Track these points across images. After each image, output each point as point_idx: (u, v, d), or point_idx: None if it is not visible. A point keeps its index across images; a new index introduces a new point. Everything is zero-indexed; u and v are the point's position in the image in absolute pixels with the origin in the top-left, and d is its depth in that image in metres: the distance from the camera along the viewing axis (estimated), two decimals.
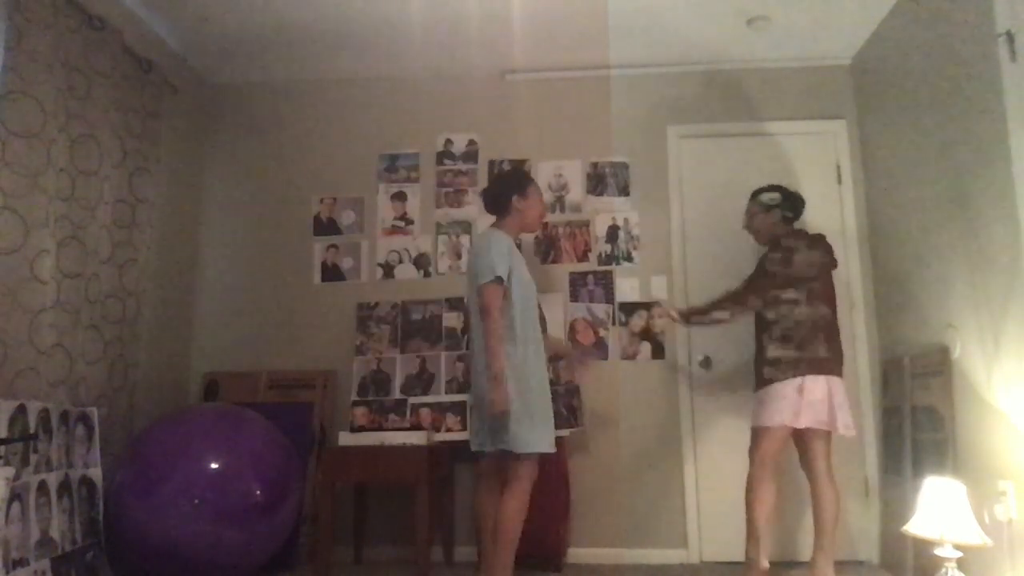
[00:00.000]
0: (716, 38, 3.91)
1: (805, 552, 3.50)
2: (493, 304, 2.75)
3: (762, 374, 3.07)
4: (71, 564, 2.84)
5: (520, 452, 2.74)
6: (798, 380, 2.96)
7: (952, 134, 3.02)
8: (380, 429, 3.72)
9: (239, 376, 4.05)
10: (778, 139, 4.05)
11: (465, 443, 3.52)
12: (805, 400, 2.94)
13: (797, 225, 3.30)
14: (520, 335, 2.82)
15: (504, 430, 2.73)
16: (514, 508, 2.76)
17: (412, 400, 3.84)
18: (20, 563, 2.54)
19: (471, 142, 4.25)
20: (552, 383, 3.70)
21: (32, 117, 2.83)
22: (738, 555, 3.74)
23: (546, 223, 4.11)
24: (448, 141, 4.27)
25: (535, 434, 2.76)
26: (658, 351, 3.94)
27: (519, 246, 3.19)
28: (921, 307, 3.33)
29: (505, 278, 2.82)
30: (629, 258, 4.05)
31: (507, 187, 3.05)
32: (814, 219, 3.85)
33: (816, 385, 2.95)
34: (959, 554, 2.48)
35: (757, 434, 3.07)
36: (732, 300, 3.18)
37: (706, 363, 3.89)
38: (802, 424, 2.96)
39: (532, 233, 3.23)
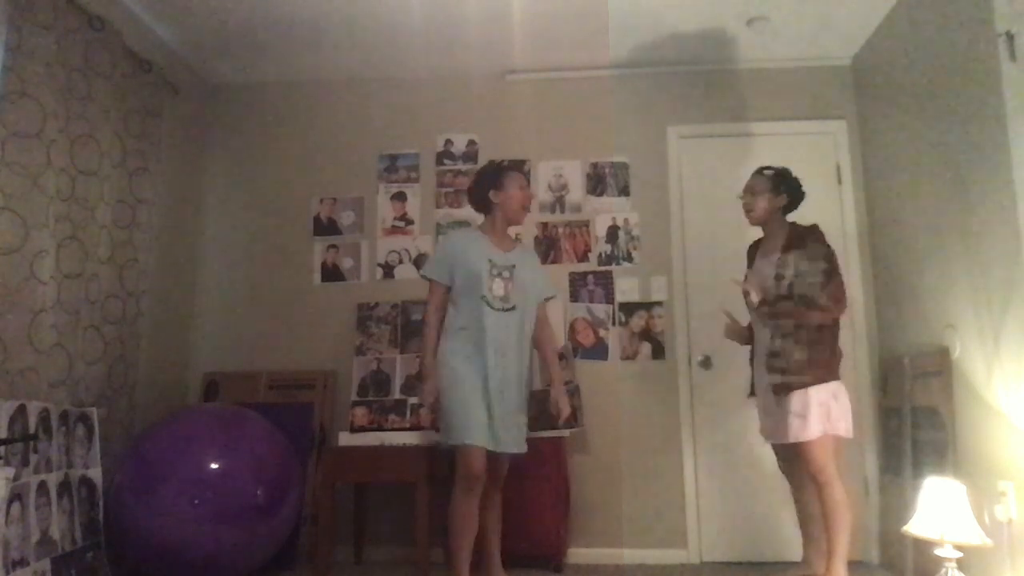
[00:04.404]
0: (716, 38, 3.91)
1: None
2: (428, 301, 3.00)
3: (787, 380, 2.84)
4: (71, 564, 2.84)
5: (444, 445, 2.88)
6: (833, 384, 2.83)
7: (952, 134, 3.02)
8: (380, 429, 3.72)
9: (239, 376, 4.05)
10: (778, 139, 4.05)
11: None
12: (841, 405, 2.83)
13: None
14: (450, 330, 2.95)
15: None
16: (450, 505, 2.84)
17: (412, 400, 3.84)
18: (20, 563, 2.54)
19: (471, 142, 4.25)
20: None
21: (32, 117, 2.83)
22: (738, 555, 3.75)
23: (545, 223, 4.11)
24: (448, 141, 4.27)
25: (444, 426, 2.86)
26: (658, 351, 3.94)
27: (517, 238, 3.18)
28: (921, 307, 3.33)
29: (437, 277, 2.99)
30: (629, 258, 4.05)
31: (482, 184, 3.08)
32: (814, 219, 3.84)
33: (843, 389, 2.87)
34: (959, 554, 2.48)
35: (805, 449, 2.80)
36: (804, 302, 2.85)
37: (706, 363, 3.89)
38: (842, 431, 2.82)
39: (518, 224, 3.16)
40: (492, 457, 2.86)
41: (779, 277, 2.91)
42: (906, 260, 3.50)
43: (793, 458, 2.94)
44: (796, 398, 2.81)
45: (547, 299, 3.16)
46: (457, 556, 2.81)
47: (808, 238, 2.95)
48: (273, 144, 4.36)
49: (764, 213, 3.06)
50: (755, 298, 2.92)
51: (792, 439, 2.81)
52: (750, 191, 3.10)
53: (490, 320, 2.90)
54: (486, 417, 2.83)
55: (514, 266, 3.00)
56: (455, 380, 2.85)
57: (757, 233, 3.19)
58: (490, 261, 2.96)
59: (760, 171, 3.13)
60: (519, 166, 3.16)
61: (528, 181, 3.21)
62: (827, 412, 2.79)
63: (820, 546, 2.91)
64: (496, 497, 3.02)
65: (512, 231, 3.27)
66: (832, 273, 2.85)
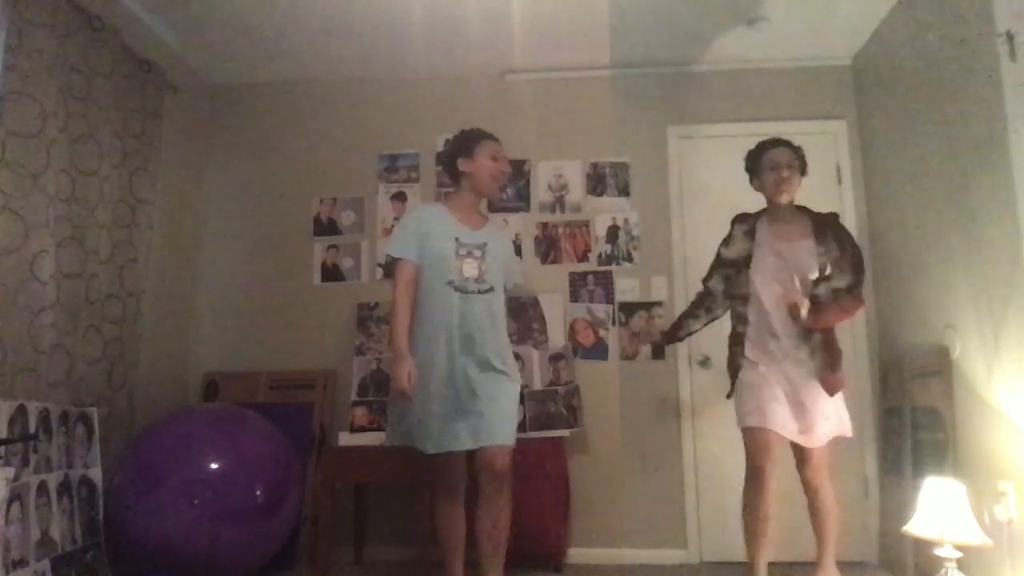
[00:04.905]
0: (716, 38, 3.91)
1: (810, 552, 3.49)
2: (395, 282, 2.69)
3: (838, 376, 2.75)
4: (71, 564, 2.84)
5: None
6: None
7: (952, 134, 3.02)
8: (380, 429, 3.72)
9: (239, 376, 4.05)
10: None
11: None
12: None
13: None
14: (417, 316, 2.68)
15: None
16: (434, 512, 2.76)
17: None
18: (20, 563, 2.54)
19: None
20: (552, 383, 3.74)
21: (32, 117, 2.83)
22: (738, 555, 3.74)
23: (545, 223, 4.11)
24: (448, 141, 4.26)
25: (400, 427, 2.67)
26: (658, 351, 3.94)
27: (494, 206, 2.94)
28: (921, 307, 3.33)
29: (405, 255, 2.69)
30: (629, 258, 4.05)
31: (452, 152, 2.84)
32: None
33: None
34: (959, 554, 2.48)
35: (824, 450, 2.77)
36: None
37: (706, 363, 3.89)
38: (849, 430, 2.83)
39: (489, 196, 2.85)
40: (476, 454, 2.62)
41: (822, 267, 2.75)
42: (906, 260, 3.50)
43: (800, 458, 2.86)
44: (838, 396, 2.76)
45: (515, 285, 2.93)
46: (448, 565, 2.74)
47: (835, 223, 2.86)
48: (273, 144, 4.36)
49: (793, 191, 2.87)
50: (804, 312, 2.71)
51: (827, 439, 2.74)
52: (786, 165, 2.85)
53: (461, 307, 2.62)
54: (455, 419, 2.58)
55: (485, 244, 2.73)
56: (421, 380, 2.60)
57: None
58: (456, 240, 2.68)
59: (785, 144, 2.92)
60: (493, 135, 2.88)
61: (504, 154, 2.91)
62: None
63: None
64: (497, 500, 2.62)
65: (483, 207, 3.02)
66: (862, 262, 2.80)
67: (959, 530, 2.45)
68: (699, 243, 4.01)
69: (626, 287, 4.02)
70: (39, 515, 2.69)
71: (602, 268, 4.05)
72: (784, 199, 2.86)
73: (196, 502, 2.91)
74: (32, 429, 2.68)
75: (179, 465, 2.98)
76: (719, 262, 3.03)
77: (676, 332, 3.16)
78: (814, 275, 2.77)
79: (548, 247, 4.10)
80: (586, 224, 4.11)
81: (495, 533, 2.60)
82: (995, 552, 2.54)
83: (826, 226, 2.84)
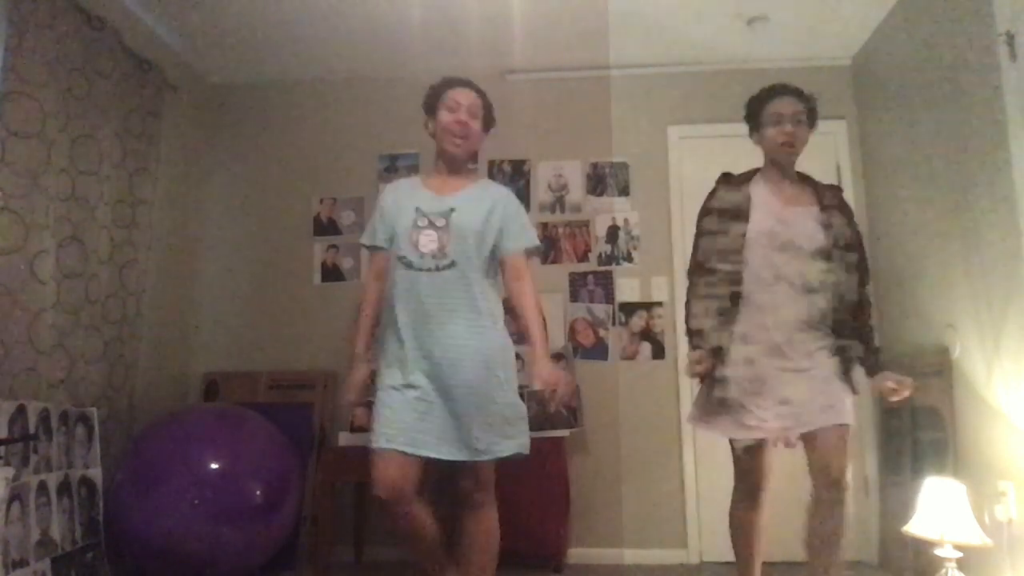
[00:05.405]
0: (716, 38, 3.90)
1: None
2: (367, 273, 2.43)
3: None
4: (71, 564, 2.84)
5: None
6: None
7: (952, 134, 3.02)
8: None
9: (239, 376, 4.04)
10: None
11: None
12: None
13: None
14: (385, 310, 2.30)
15: None
16: None
17: None
18: (20, 563, 2.54)
19: None
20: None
21: (32, 117, 2.83)
22: None
23: (546, 223, 4.11)
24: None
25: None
26: (658, 351, 3.94)
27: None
28: (921, 307, 3.33)
29: (368, 241, 2.38)
30: (629, 258, 4.05)
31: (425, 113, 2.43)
32: None
33: None
34: (959, 554, 2.48)
35: (845, 440, 2.31)
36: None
37: None
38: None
39: (452, 156, 2.35)
40: (441, 467, 2.20)
41: (827, 237, 2.35)
42: (906, 260, 3.50)
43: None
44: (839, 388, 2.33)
45: (526, 250, 2.35)
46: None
47: (839, 195, 2.48)
48: (273, 144, 4.36)
49: (800, 147, 2.43)
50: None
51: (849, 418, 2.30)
52: (792, 118, 2.41)
53: (415, 285, 2.19)
54: (409, 415, 2.15)
55: (452, 210, 2.25)
56: (383, 380, 2.25)
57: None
58: (417, 210, 2.26)
59: (792, 92, 2.49)
60: (467, 82, 2.50)
61: (479, 98, 2.45)
62: None
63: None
64: (469, 523, 2.27)
65: (470, 170, 2.57)
66: (864, 252, 2.44)
67: (959, 530, 2.45)
68: None
69: (626, 287, 4.02)
70: (39, 515, 2.69)
71: (602, 268, 4.05)
72: (786, 159, 2.44)
73: (196, 502, 2.91)
74: (32, 429, 2.68)
75: (179, 465, 2.98)
76: (702, 232, 2.58)
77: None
78: (816, 242, 2.34)
79: (548, 247, 4.10)
80: (586, 224, 4.11)
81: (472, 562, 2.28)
82: (995, 552, 2.55)
83: (833, 195, 2.47)
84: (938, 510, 2.51)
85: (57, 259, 2.97)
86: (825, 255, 2.34)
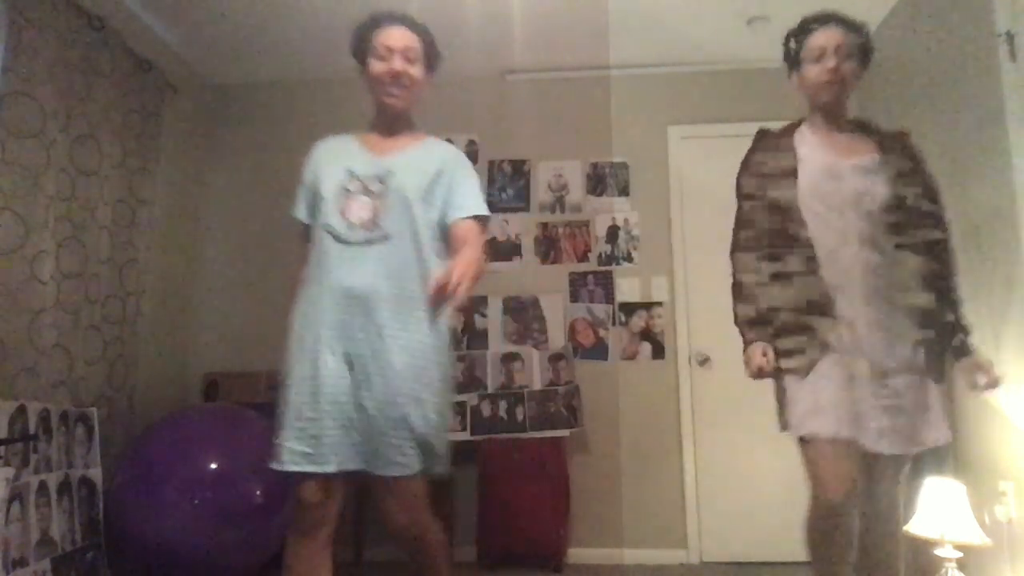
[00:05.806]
0: (716, 38, 3.91)
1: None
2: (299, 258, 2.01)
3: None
4: (71, 564, 2.84)
5: None
6: None
7: (952, 134, 3.02)
8: None
9: (239, 376, 4.04)
10: None
11: (465, 443, 3.53)
12: None
13: None
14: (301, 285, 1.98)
15: None
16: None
17: None
18: (20, 563, 2.54)
19: (471, 142, 4.24)
20: (552, 383, 3.74)
21: (32, 117, 2.83)
22: (738, 555, 3.75)
23: (545, 223, 4.10)
24: (448, 141, 4.25)
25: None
26: (658, 351, 3.94)
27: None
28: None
29: (296, 213, 2.04)
30: (629, 258, 4.05)
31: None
32: None
33: None
34: (959, 554, 2.47)
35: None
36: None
37: (706, 363, 3.89)
38: None
39: (388, 108, 2.06)
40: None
41: (896, 195, 1.97)
42: None
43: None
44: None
45: (476, 218, 1.96)
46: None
47: (905, 140, 2.07)
48: (273, 144, 4.35)
49: (849, 88, 2.03)
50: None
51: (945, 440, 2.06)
52: (838, 51, 2.02)
53: (339, 260, 1.87)
54: (315, 424, 1.92)
55: (390, 172, 1.92)
56: (288, 365, 1.99)
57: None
58: (349, 172, 1.93)
59: (839, 21, 2.12)
60: (399, 18, 2.20)
61: (417, 35, 2.17)
62: None
63: None
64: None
65: (413, 125, 2.20)
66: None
67: (959, 530, 2.45)
68: (699, 243, 4.02)
69: (626, 287, 4.02)
70: (39, 515, 2.69)
71: (602, 268, 4.05)
72: (826, 99, 2.04)
73: (196, 502, 2.91)
74: (32, 429, 2.68)
75: (179, 465, 2.98)
76: (743, 195, 2.12)
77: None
78: (880, 201, 1.96)
79: (548, 247, 4.10)
80: (586, 224, 4.11)
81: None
82: (995, 552, 2.55)
83: (896, 140, 2.07)
84: (938, 510, 2.51)
85: (57, 259, 2.97)
86: (895, 211, 1.97)
